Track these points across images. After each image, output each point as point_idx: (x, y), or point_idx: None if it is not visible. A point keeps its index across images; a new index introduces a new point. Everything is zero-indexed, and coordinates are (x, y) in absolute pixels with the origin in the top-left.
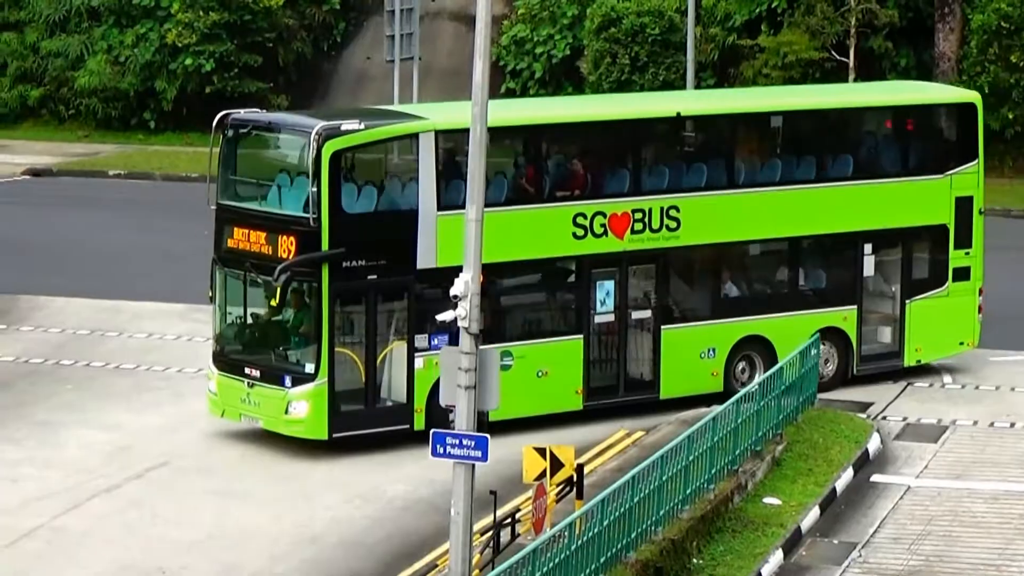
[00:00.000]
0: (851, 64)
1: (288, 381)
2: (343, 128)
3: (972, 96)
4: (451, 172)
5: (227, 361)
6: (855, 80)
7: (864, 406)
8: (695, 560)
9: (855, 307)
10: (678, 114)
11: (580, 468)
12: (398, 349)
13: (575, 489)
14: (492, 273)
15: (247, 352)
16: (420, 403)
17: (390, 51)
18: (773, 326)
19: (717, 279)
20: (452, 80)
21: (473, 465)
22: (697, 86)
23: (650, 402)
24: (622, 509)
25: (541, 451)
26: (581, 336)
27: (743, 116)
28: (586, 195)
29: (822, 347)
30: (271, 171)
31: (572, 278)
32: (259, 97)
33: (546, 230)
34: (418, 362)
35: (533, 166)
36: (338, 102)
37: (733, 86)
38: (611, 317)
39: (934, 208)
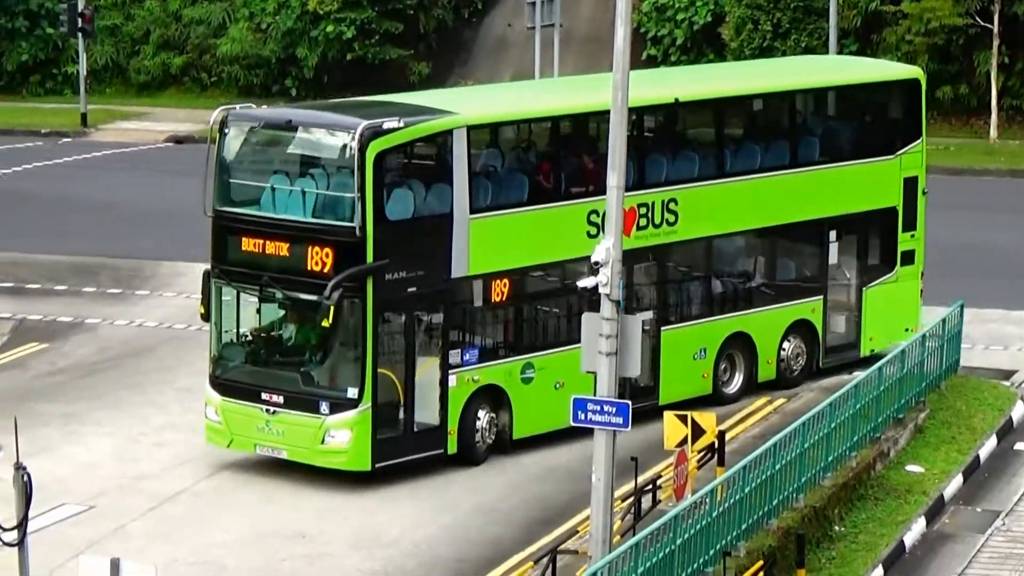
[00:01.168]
0: (995, 31)
1: (325, 407)
2: (385, 126)
3: (916, 72)
4: (482, 171)
5: (236, 386)
6: (1000, 47)
7: (1008, 374)
8: (837, 527)
9: (821, 298)
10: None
11: (721, 435)
12: (432, 367)
13: (716, 456)
14: (515, 280)
15: (265, 376)
16: (453, 424)
17: (531, 18)
18: (755, 322)
19: (707, 276)
20: (592, 47)
21: (614, 432)
22: (840, 52)
23: (649, 409)
24: (764, 476)
25: (683, 418)
26: None
27: (729, 100)
28: (600, 190)
29: (792, 342)
30: (291, 174)
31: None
32: (399, 64)
33: (562, 230)
34: (451, 380)
35: (547, 162)
36: (478, 70)
37: (876, 53)
38: None
39: (887, 190)
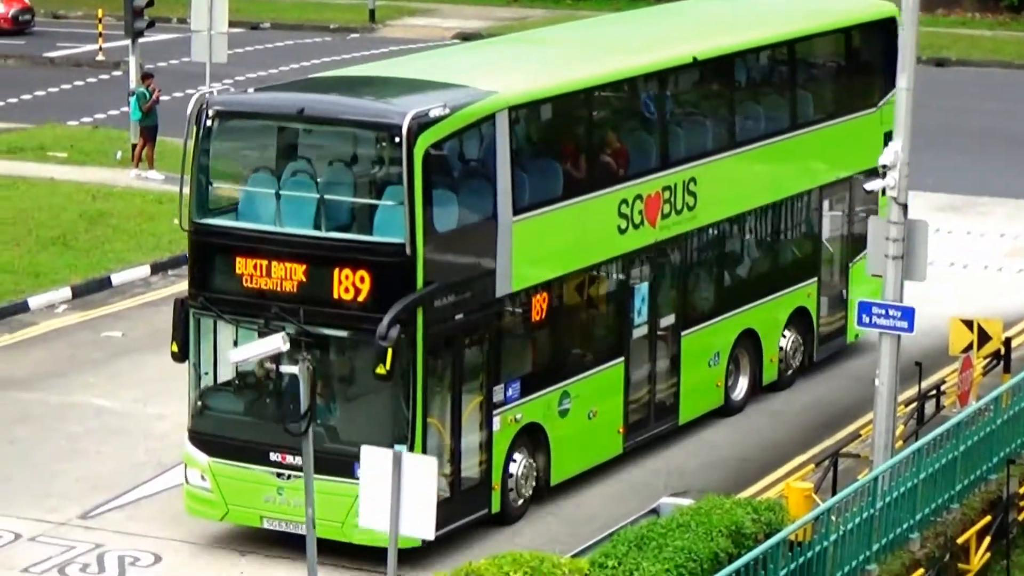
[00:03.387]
0: None
1: None
2: (432, 113)
3: (892, 9)
4: (523, 162)
5: (232, 444)
6: None
7: None
8: None
9: (815, 280)
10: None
11: (1008, 342)
12: (475, 409)
13: (1002, 363)
14: (554, 292)
15: (274, 431)
16: (497, 477)
17: None
18: (761, 316)
19: (720, 266)
20: None
21: (899, 336)
22: None
23: (669, 431)
24: None
25: (968, 323)
26: (622, 359)
27: (744, 54)
28: (628, 175)
29: (789, 335)
30: (305, 178)
31: (613, 286)
32: None
33: (595, 227)
34: (495, 423)
35: (581, 144)
36: None
37: None
38: (645, 329)
39: (870, 149)
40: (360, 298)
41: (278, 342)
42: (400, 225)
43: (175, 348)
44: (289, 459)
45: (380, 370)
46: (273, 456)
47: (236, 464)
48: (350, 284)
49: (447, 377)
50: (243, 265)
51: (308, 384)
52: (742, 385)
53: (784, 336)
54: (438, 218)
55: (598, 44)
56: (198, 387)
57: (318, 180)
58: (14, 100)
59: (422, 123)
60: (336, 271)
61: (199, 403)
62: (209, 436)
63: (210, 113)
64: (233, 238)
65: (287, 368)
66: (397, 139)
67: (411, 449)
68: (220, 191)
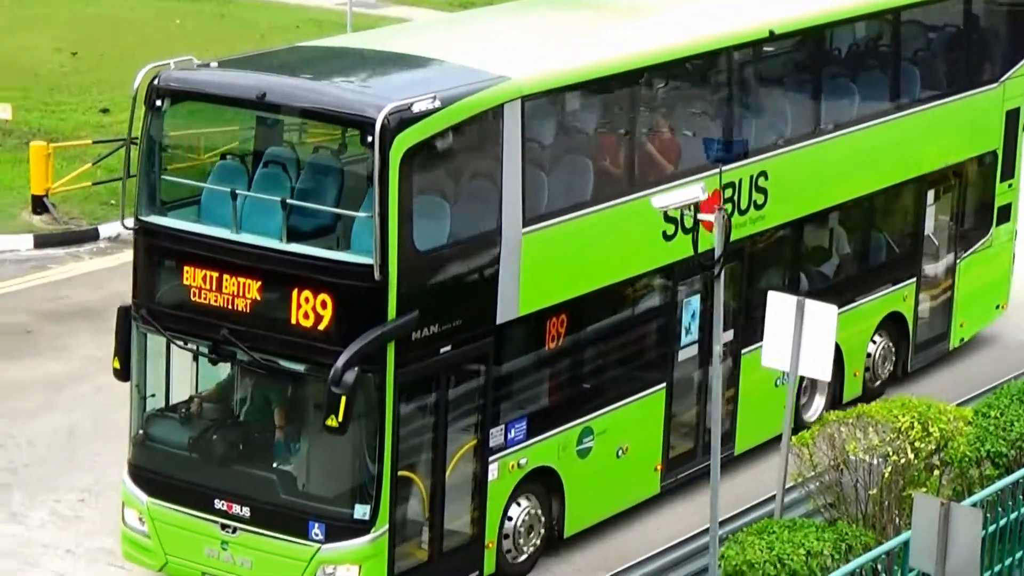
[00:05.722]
0: None
1: (318, 530)
2: (416, 107)
3: None
4: (538, 162)
5: (173, 485)
6: None
7: None
8: None
9: (914, 281)
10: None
11: None
12: (466, 456)
13: None
14: (575, 313)
15: (221, 474)
16: (492, 534)
17: None
18: (845, 325)
19: (793, 272)
20: None
21: None
22: None
23: (725, 462)
24: None
25: None
26: (663, 386)
27: (831, 27)
28: (679, 173)
29: (878, 343)
30: (264, 177)
31: (656, 301)
32: None
33: (633, 235)
34: (491, 471)
35: (616, 137)
36: None
37: None
38: (695, 349)
39: (987, 130)
40: (321, 326)
41: (697, 191)
42: (370, 243)
43: (117, 364)
44: (236, 509)
45: (331, 422)
46: (218, 504)
47: (177, 509)
48: (310, 309)
49: (429, 421)
50: (191, 276)
51: (722, 232)
52: (817, 404)
53: (873, 343)
54: (422, 234)
55: (643, 10)
56: (141, 412)
57: (291, 180)
58: None
59: (404, 118)
60: (295, 292)
61: (141, 431)
62: (149, 472)
63: (161, 93)
64: (180, 242)
65: None
66: (369, 138)
67: (376, 510)
68: (171, 185)
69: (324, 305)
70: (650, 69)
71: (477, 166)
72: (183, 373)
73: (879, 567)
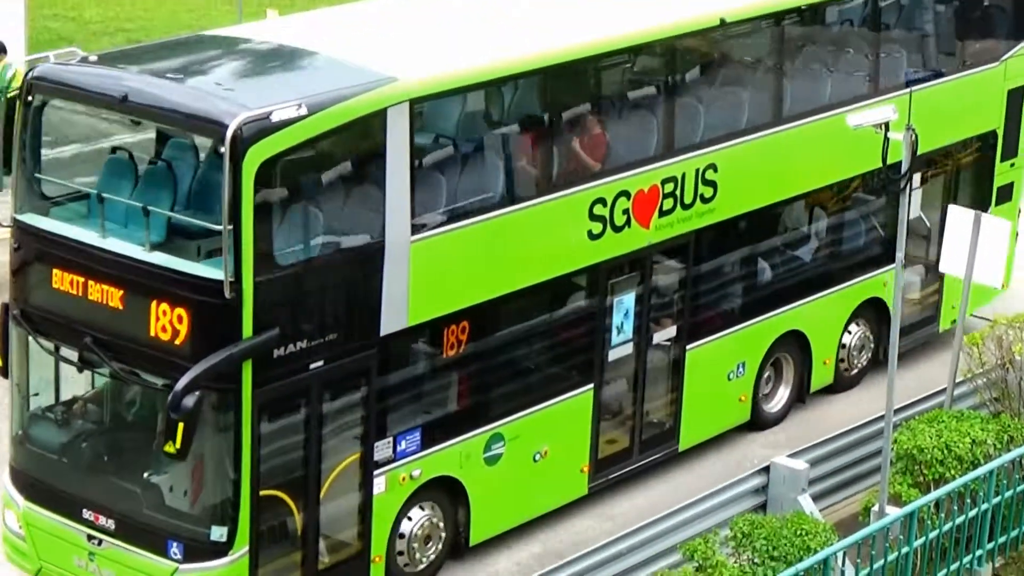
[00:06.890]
0: None
1: (177, 550)
2: (275, 117)
3: None
4: (430, 166)
5: (47, 489)
6: None
7: None
8: None
9: (895, 265)
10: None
11: None
12: (349, 470)
13: None
14: (479, 320)
15: (88, 482)
16: (380, 548)
17: None
18: (812, 314)
19: (752, 264)
20: None
21: None
22: None
23: (666, 459)
24: None
25: None
26: (591, 387)
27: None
28: (607, 170)
29: (855, 331)
30: (126, 180)
31: (582, 301)
32: None
33: (547, 237)
34: (377, 484)
35: (528, 135)
36: None
37: None
38: (629, 348)
39: (987, 110)
40: (177, 341)
41: (889, 112)
42: (223, 257)
43: (0, 363)
44: (102, 520)
45: (169, 448)
46: (86, 514)
47: (49, 515)
48: (168, 323)
49: (299, 439)
50: (59, 280)
51: (909, 148)
52: (781, 395)
53: (848, 332)
54: (284, 247)
55: None
56: (21, 412)
57: (175, 180)
58: None
59: (261, 128)
60: (154, 304)
61: (20, 432)
62: (25, 476)
63: (32, 89)
64: (47, 244)
65: None
66: (221, 148)
67: (234, 532)
68: (47, 183)
69: (180, 320)
70: (550, 69)
71: (356, 173)
72: (63, 375)
73: None
